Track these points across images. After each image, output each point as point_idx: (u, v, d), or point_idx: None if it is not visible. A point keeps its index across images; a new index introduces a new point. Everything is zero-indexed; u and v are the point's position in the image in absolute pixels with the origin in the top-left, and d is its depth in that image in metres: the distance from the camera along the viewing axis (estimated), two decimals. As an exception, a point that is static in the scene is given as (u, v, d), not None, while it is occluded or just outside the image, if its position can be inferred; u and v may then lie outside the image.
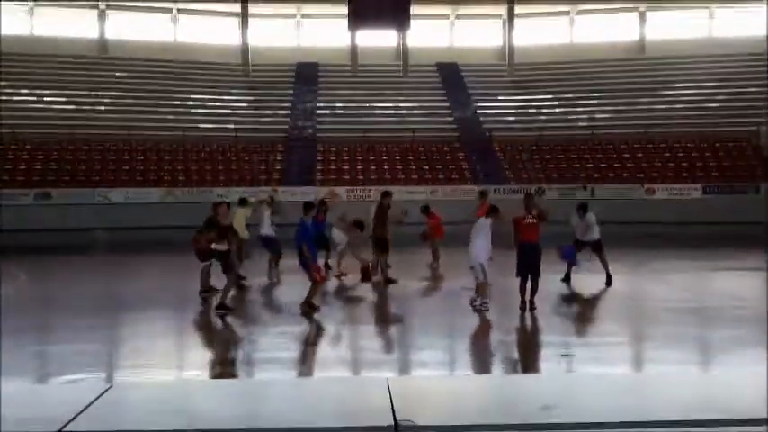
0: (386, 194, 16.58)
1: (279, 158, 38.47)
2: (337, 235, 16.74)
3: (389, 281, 15.48)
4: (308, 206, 12.90)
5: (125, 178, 35.75)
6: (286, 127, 41.29)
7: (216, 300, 12.81)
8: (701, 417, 5.52)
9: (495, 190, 31.61)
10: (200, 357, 10.23)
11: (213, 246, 12.79)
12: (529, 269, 12.27)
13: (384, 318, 12.87)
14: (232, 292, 13.03)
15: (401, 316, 13.06)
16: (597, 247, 15.27)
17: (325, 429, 5.34)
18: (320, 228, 16.57)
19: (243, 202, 17.20)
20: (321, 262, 16.74)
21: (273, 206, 17.23)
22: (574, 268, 15.11)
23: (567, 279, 15.23)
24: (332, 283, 15.75)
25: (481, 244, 12.35)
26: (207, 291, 13.68)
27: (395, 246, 18.34)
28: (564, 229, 15.97)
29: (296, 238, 12.37)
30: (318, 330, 11.37)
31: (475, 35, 48.29)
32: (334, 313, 12.71)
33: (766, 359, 8.72)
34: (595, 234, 15.29)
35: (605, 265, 15.14)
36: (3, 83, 39.49)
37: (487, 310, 12.14)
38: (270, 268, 16.62)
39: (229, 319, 11.97)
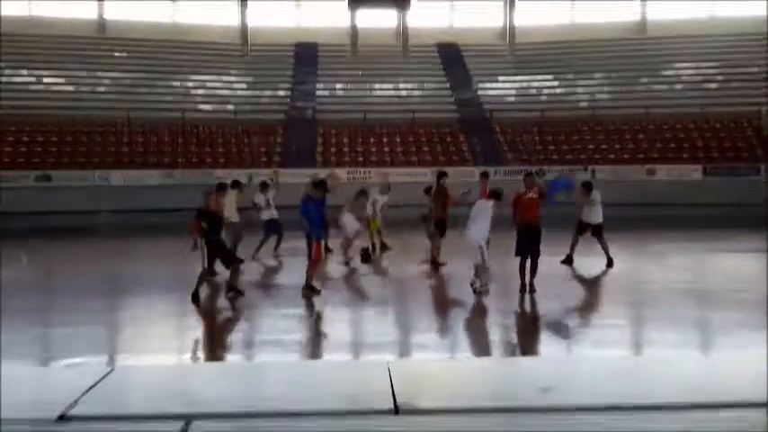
0: (442, 175, 16.30)
1: (279, 140, 38.40)
2: (348, 221, 16.40)
3: (437, 264, 15.26)
4: (317, 184, 12.85)
5: (125, 160, 35.73)
6: (286, 108, 41.19)
7: (218, 283, 12.86)
8: (700, 399, 5.53)
9: (495, 171, 31.52)
10: (201, 340, 10.26)
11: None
12: (529, 249, 12.26)
13: (384, 301, 12.87)
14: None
15: (401, 299, 13.09)
16: (597, 231, 15.25)
17: (325, 412, 5.35)
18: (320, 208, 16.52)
19: (235, 184, 17.06)
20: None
21: (270, 187, 17.28)
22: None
23: (567, 261, 15.23)
24: (333, 267, 15.75)
25: (480, 226, 12.33)
26: (210, 274, 13.63)
27: (393, 228, 18.38)
28: (566, 210, 15.97)
29: (302, 211, 12.40)
30: (319, 314, 11.38)
31: (476, 15, 48.06)
32: (334, 296, 12.72)
33: (766, 342, 8.73)
34: (599, 217, 15.27)
35: (605, 249, 15.12)
36: (2, 64, 39.34)
37: (488, 293, 12.14)
38: (258, 249, 16.66)
39: (230, 302, 11.98)
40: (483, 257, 12.27)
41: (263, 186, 17.44)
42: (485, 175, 17.95)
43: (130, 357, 9.04)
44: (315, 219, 12.42)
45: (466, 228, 12.53)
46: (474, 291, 12.16)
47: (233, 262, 12.36)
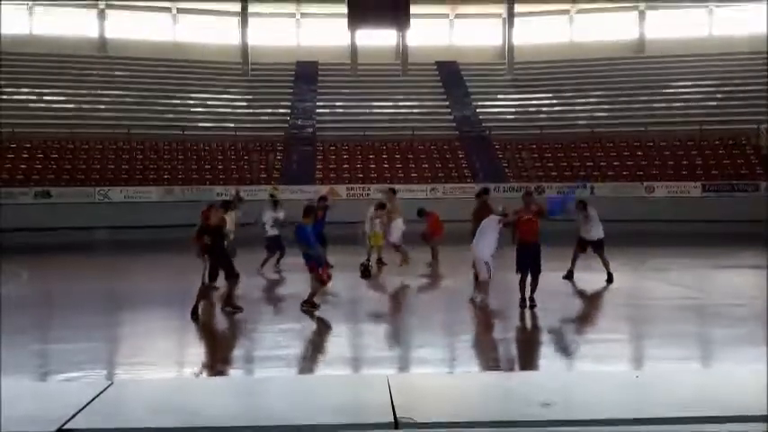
0: (485, 191, 16.35)
1: (278, 157, 38.47)
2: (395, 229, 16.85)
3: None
4: (308, 210, 12.78)
5: (125, 177, 35.77)
6: (286, 126, 41.30)
7: (216, 297, 12.87)
8: (700, 414, 5.52)
9: (495, 188, 31.58)
10: (200, 355, 10.24)
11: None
12: (529, 266, 12.28)
13: (384, 315, 12.87)
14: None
15: (401, 313, 13.08)
16: (599, 246, 15.24)
17: (325, 426, 5.34)
18: (319, 225, 16.56)
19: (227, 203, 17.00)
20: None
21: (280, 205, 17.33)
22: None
23: (568, 276, 15.22)
24: (333, 282, 15.71)
25: (487, 242, 12.38)
26: (210, 289, 13.59)
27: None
28: (566, 226, 15.99)
29: (297, 240, 12.35)
30: (319, 328, 11.36)
31: (474, 34, 48.31)
32: (334, 311, 12.70)
33: (766, 357, 8.72)
34: (599, 233, 15.27)
35: (606, 265, 15.09)
36: (2, 82, 39.47)
37: (488, 307, 12.14)
38: (264, 263, 16.63)
39: (229, 317, 11.96)
40: (490, 273, 12.32)
41: (275, 204, 17.39)
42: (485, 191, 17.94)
43: (129, 371, 9.02)
44: (312, 242, 12.36)
45: (473, 243, 12.58)
46: (475, 305, 12.17)
47: (231, 277, 12.35)
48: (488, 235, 12.45)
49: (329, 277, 12.51)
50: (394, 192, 18.89)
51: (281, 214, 17.10)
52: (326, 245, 17.08)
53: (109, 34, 45.21)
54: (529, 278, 12.28)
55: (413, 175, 37.25)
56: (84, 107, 40.66)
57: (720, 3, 46.40)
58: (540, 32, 47.67)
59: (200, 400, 6.30)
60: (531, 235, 12.39)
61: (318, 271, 12.17)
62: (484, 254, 12.40)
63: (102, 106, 41.11)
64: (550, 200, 14.75)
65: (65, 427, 5.27)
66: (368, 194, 33.08)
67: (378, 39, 45.82)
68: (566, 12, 48.11)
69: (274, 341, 10.52)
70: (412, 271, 16.80)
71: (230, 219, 15.67)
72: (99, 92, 41.70)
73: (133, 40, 45.04)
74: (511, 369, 9.17)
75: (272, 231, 16.87)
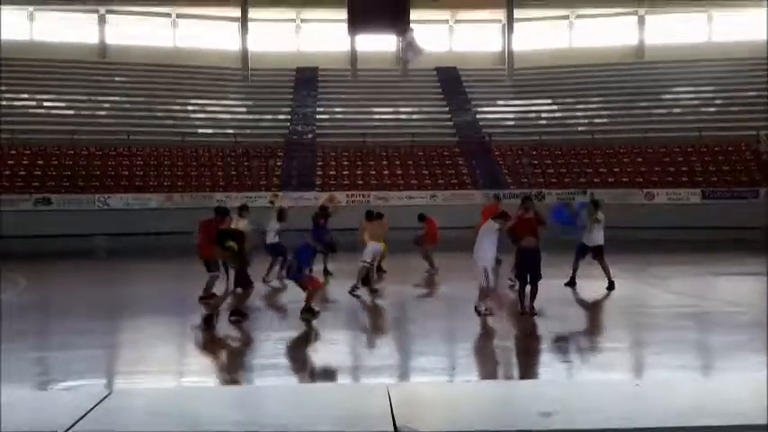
0: (527, 199, 15.96)
1: (278, 163, 38.45)
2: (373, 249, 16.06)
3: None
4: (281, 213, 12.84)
5: (125, 184, 35.72)
6: (286, 132, 41.29)
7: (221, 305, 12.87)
8: (701, 423, 5.51)
9: (495, 195, 31.61)
10: (200, 363, 10.22)
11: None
12: (528, 273, 12.24)
13: (384, 324, 12.86)
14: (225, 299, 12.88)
15: (401, 321, 13.06)
16: (598, 253, 15.22)
17: (325, 436, 5.33)
18: (321, 233, 16.58)
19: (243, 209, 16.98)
20: (320, 267, 16.77)
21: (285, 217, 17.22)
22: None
23: (571, 284, 15.20)
24: (332, 290, 15.72)
25: (487, 247, 12.28)
26: (208, 297, 13.59)
27: (391, 251, 18.36)
28: (566, 234, 15.99)
29: (298, 254, 12.41)
30: (318, 336, 11.35)
31: (474, 39, 48.34)
32: (334, 319, 12.69)
33: (766, 365, 8.71)
34: (599, 239, 15.25)
35: (606, 272, 15.08)
36: (2, 88, 39.49)
37: (492, 315, 12.10)
38: (269, 272, 16.60)
39: (229, 325, 11.93)
40: (487, 281, 12.21)
41: (281, 214, 17.26)
42: (497, 197, 18.04)
43: (129, 380, 9.00)
44: (305, 258, 12.40)
45: (473, 251, 12.47)
46: (478, 314, 12.11)
47: (247, 286, 12.35)
48: (487, 241, 12.34)
49: (316, 284, 12.46)
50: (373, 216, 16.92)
51: (284, 226, 17.01)
52: (335, 250, 17.08)
53: (109, 40, 45.25)
54: (528, 287, 12.25)
55: (412, 181, 37.24)
56: (84, 113, 40.68)
57: (720, 8, 46.41)
58: (539, 38, 47.72)
59: (199, 409, 6.28)
60: (532, 241, 12.36)
61: (303, 281, 12.22)
62: (483, 261, 12.31)
63: (103, 112, 41.15)
64: (559, 210, 14.58)
65: (64, 436, 5.26)
66: (368, 201, 33.03)
67: (377, 44, 45.88)
68: (565, 17, 48.16)
69: (274, 349, 10.51)
70: (411, 279, 16.78)
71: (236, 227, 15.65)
72: (99, 98, 41.72)
73: (133, 45, 45.06)
74: (511, 378, 9.16)
75: (272, 239, 16.82)
